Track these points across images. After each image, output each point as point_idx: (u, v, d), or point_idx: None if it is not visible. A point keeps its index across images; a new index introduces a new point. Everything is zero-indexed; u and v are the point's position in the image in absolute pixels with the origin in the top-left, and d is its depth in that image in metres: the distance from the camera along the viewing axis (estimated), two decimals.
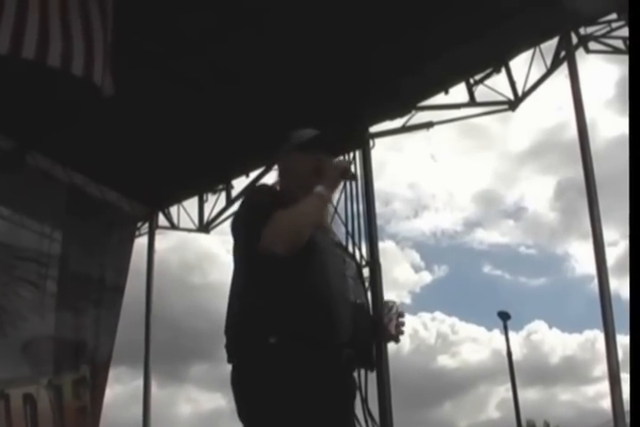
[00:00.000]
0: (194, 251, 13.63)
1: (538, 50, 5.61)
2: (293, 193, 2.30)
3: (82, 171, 6.94)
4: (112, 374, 7.31)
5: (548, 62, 5.54)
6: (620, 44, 5.38)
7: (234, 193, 7.34)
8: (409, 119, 6.23)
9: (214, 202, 7.48)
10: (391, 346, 3.85)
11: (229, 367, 2.21)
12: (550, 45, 5.48)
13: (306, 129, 2.49)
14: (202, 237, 7.87)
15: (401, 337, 2.44)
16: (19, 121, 5.85)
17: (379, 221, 5.89)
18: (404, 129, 6.29)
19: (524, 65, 5.75)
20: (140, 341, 7.36)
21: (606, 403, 4.50)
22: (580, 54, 5.35)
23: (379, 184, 7.20)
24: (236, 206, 7.21)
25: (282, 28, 5.16)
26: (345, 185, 2.27)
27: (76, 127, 5.96)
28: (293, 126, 2.55)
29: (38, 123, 5.91)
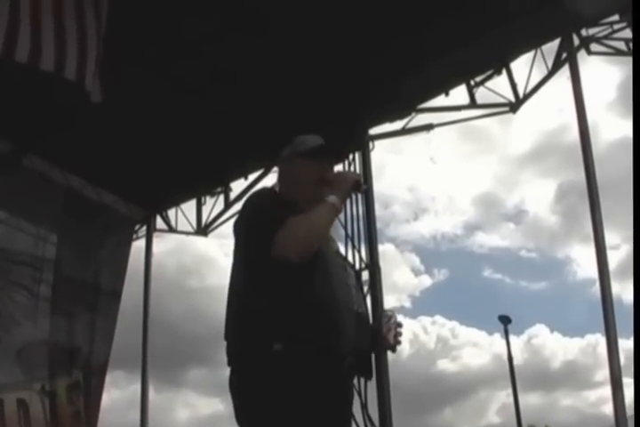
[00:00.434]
0: (192, 254, 13.59)
1: (539, 51, 5.58)
2: (293, 198, 2.35)
3: (79, 173, 6.90)
4: (109, 378, 7.31)
5: (550, 64, 5.52)
6: (622, 45, 5.35)
7: (232, 196, 7.34)
8: (409, 121, 6.20)
9: (212, 205, 7.50)
10: None
11: (228, 372, 2.21)
12: (552, 47, 5.46)
13: (310, 135, 2.51)
14: (200, 240, 7.87)
15: (398, 347, 2.53)
16: (15, 123, 5.81)
17: (378, 224, 5.86)
18: (404, 131, 6.25)
19: (525, 67, 5.73)
20: (137, 345, 7.33)
21: (608, 408, 4.45)
22: (582, 56, 5.32)
23: (378, 187, 7.16)
24: (234, 209, 7.29)
25: (281, 31, 5.14)
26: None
27: (73, 130, 5.93)
28: (293, 129, 2.55)
29: (35, 125, 5.87)
